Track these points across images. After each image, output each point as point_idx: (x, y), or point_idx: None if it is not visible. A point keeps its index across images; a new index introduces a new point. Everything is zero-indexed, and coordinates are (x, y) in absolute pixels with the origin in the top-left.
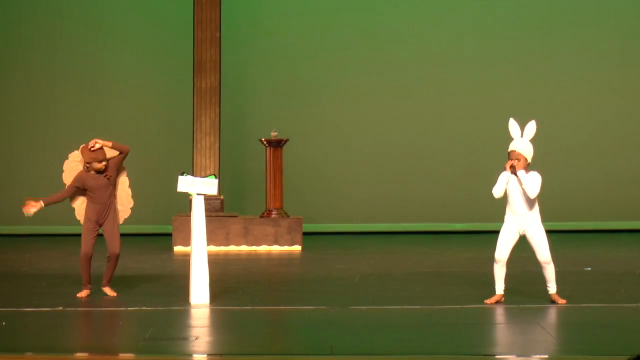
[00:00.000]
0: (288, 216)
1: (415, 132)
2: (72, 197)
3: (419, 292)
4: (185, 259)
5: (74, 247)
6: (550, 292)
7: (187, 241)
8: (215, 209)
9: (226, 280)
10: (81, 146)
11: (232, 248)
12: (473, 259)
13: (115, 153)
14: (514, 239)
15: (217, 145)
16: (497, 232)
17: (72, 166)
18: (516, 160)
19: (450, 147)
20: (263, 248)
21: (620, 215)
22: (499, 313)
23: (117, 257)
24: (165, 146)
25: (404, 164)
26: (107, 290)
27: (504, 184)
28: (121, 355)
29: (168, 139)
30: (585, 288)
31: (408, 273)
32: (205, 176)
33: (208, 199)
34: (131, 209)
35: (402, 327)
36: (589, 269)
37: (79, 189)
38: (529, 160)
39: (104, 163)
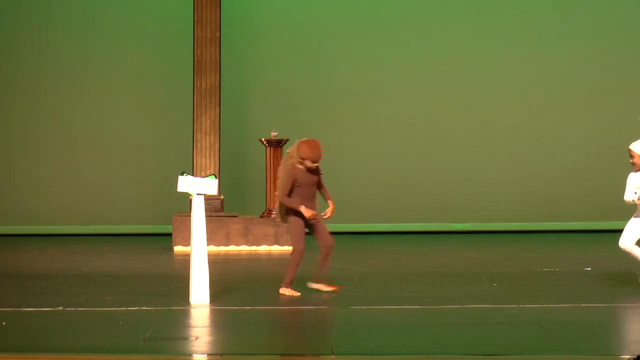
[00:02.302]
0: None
1: (415, 133)
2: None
3: (419, 292)
4: (186, 259)
5: (74, 247)
6: None
7: (187, 241)
8: (216, 208)
9: (226, 280)
10: (298, 141)
11: (233, 248)
12: (473, 259)
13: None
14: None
15: (217, 145)
16: (496, 232)
17: (289, 161)
18: None
19: (450, 147)
20: (263, 248)
21: (620, 216)
22: (499, 313)
23: (330, 250)
24: (166, 146)
25: (404, 164)
26: (322, 286)
27: (634, 194)
28: (121, 355)
29: (168, 139)
30: (585, 288)
31: (408, 273)
32: (205, 176)
33: (208, 198)
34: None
35: (402, 327)
36: (589, 269)
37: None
38: None
39: (317, 165)
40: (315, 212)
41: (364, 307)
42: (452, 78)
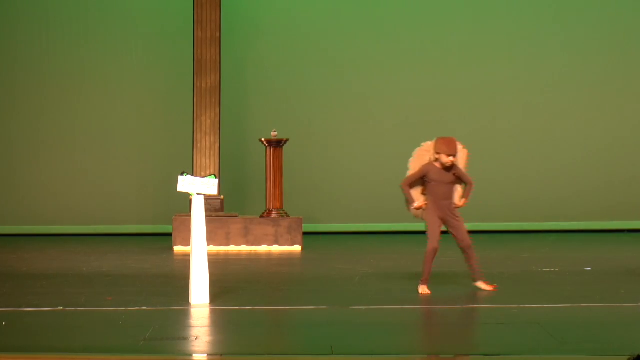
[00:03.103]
0: (288, 216)
1: (415, 132)
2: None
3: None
4: (186, 259)
5: (74, 247)
6: None
7: (187, 241)
8: (215, 208)
9: (226, 280)
10: (437, 138)
11: (232, 248)
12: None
13: (463, 162)
14: None
15: (217, 145)
16: (496, 232)
17: (421, 154)
18: None
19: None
20: (263, 248)
21: (620, 216)
22: (499, 313)
23: (469, 248)
24: (165, 146)
25: (404, 164)
26: (482, 285)
27: None
28: (121, 355)
29: (168, 139)
30: (585, 288)
31: (408, 273)
32: (205, 176)
33: (208, 198)
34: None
35: (402, 327)
36: (589, 268)
37: (421, 179)
38: None
39: (452, 159)
40: (420, 204)
41: (363, 307)
42: (452, 78)
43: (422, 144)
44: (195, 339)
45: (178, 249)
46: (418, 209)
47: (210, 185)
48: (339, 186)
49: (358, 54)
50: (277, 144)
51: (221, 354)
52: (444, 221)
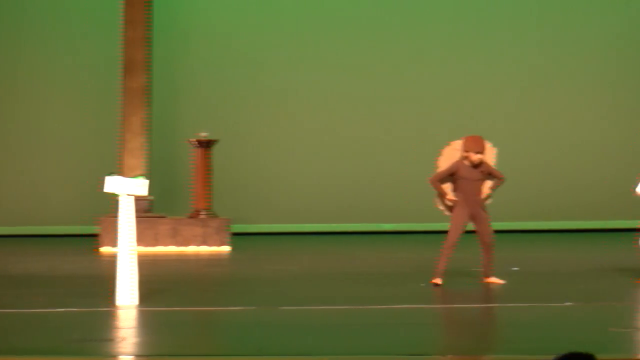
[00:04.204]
0: (217, 217)
1: (340, 132)
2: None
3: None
4: (114, 260)
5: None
6: None
7: (116, 242)
8: (144, 209)
9: (154, 281)
10: (465, 136)
11: (161, 249)
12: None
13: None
14: None
15: (147, 146)
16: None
17: (450, 153)
18: None
19: (389, 143)
20: (191, 249)
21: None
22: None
23: (490, 245)
24: (96, 146)
25: (333, 163)
26: (493, 280)
27: None
28: (46, 357)
29: (95, 139)
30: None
31: (337, 273)
32: (134, 177)
33: (136, 199)
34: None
35: (331, 328)
36: (517, 268)
37: (450, 176)
38: None
39: (480, 156)
40: (453, 198)
41: (292, 308)
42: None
43: (451, 142)
44: (122, 340)
45: (106, 249)
46: (451, 201)
47: (140, 186)
48: (268, 187)
49: (289, 53)
50: (206, 145)
51: (148, 355)
52: (472, 217)
